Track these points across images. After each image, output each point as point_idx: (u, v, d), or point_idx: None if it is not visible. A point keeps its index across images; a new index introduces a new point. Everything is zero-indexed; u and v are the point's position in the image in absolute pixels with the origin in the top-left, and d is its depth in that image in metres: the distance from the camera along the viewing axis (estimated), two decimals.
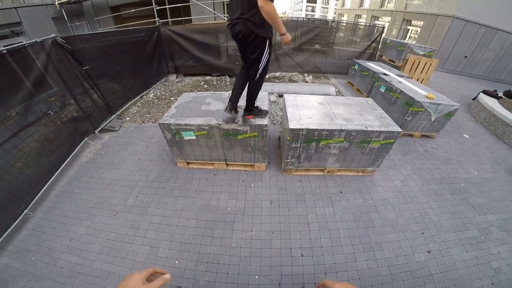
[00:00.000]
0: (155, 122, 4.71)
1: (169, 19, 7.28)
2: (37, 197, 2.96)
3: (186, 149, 3.14)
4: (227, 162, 3.32)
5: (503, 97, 5.66)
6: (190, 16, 8.41)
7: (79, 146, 3.86)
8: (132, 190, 3.11)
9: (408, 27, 14.63)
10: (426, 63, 6.61)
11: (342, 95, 6.28)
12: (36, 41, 3.15)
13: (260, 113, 2.84)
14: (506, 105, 5.19)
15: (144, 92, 5.94)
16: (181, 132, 2.88)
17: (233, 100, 2.61)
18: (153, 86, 6.35)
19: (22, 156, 2.95)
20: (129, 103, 5.31)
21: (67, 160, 3.54)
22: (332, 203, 2.94)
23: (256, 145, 2.99)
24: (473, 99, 6.27)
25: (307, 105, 3.22)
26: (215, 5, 8.78)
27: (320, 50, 8.07)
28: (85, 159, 3.73)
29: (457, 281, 2.25)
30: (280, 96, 5.79)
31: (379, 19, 17.80)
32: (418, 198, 3.10)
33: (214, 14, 7.84)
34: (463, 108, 6.07)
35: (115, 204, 2.93)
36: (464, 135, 4.72)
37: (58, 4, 7.22)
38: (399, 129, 2.75)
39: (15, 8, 5.90)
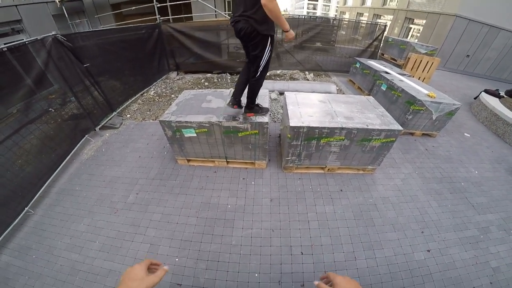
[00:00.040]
0: (155, 119, 4.71)
1: (170, 17, 7.25)
2: (37, 194, 2.97)
3: (186, 146, 3.14)
4: (227, 160, 3.32)
5: (505, 96, 5.63)
6: (191, 13, 8.38)
7: (79, 144, 3.86)
8: (133, 188, 3.12)
9: (410, 26, 14.55)
10: (428, 62, 6.58)
11: (343, 93, 6.27)
12: (36, 38, 3.14)
13: (261, 110, 2.84)
14: (508, 104, 5.16)
15: (145, 90, 5.93)
16: (182, 130, 2.88)
17: (236, 95, 2.63)
18: (153, 84, 6.34)
19: (23, 154, 2.95)
20: (130, 101, 5.31)
21: (67, 157, 3.55)
22: (332, 201, 2.94)
23: (257, 143, 2.99)
24: (475, 98, 6.24)
25: (308, 103, 3.21)
26: (216, 3, 8.74)
27: (322, 48, 8.04)
28: (85, 156, 3.74)
29: (456, 280, 2.26)
30: (281, 93, 5.79)
31: (381, 17, 17.70)
32: (418, 197, 3.10)
33: (215, 11, 7.80)
34: (464, 107, 6.05)
35: (116, 201, 2.94)
36: (465, 134, 4.71)
37: (58, 1, 7.19)
38: (400, 128, 2.74)
39: (16, 5, 5.89)
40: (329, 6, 51.26)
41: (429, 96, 3.94)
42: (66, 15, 7.28)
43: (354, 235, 2.58)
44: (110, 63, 4.79)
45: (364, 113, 3.01)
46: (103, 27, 7.88)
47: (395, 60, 7.93)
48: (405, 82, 4.56)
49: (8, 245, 2.51)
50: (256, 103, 2.79)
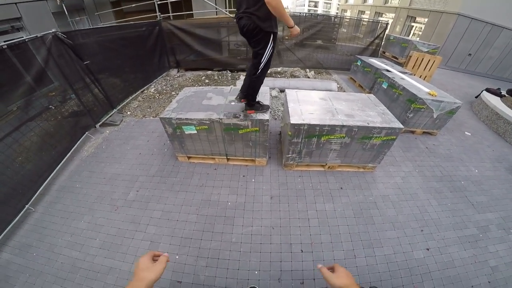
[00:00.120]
0: (156, 116, 4.70)
1: (171, 14, 7.21)
2: (38, 191, 2.97)
3: (187, 143, 3.14)
4: (228, 157, 3.32)
5: (506, 95, 5.61)
6: (192, 10, 8.33)
7: (80, 141, 3.86)
8: (133, 185, 3.12)
9: (412, 24, 14.47)
10: (429, 60, 6.55)
11: (344, 91, 6.24)
12: (36, 36, 3.13)
13: (262, 108, 2.83)
14: (509, 103, 5.15)
15: (145, 87, 5.92)
16: (182, 127, 2.88)
17: (244, 89, 2.63)
18: (154, 81, 6.33)
19: (23, 151, 2.95)
20: (130, 98, 5.30)
21: (68, 155, 3.55)
22: (333, 199, 2.94)
23: (257, 140, 2.98)
24: (476, 97, 6.22)
25: (308, 100, 3.21)
26: (216, 0, 8.69)
27: (323, 45, 8.01)
28: (86, 154, 3.74)
29: (454, 279, 2.26)
30: (282, 91, 5.77)
31: (383, 15, 17.59)
32: (418, 195, 3.10)
33: (216, 8, 7.77)
34: (465, 106, 6.03)
35: (116, 199, 2.95)
36: (466, 132, 4.70)
37: None
38: (401, 126, 2.74)
39: (15, 3, 5.85)
40: (330, 3, 50.91)
41: (430, 94, 3.93)
42: (66, 13, 7.23)
43: (354, 233, 2.58)
44: (111, 60, 4.78)
45: (365, 111, 3.00)
46: (103, 25, 7.85)
47: (397, 58, 7.88)
48: (406, 80, 4.54)
49: (8, 243, 2.52)
50: (257, 100, 2.79)
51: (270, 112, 3.00)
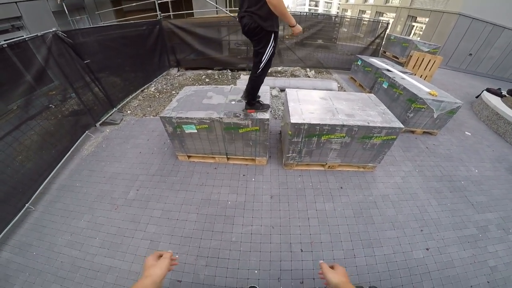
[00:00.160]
0: (156, 115, 4.70)
1: (171, 13, 7.19)
2: (38, 190, 2.97)
3: (187, 142, 3.14)
4: (228, 156, 3.32)
5: (507, 95, 5.60)
6: (192, 9, 8.32)
7: (80, 139, 3.87)
8: (133, 184, 3.12)
9: (413, 24, 14.45)
10: (430, 60, 6.54)
11: (345, 91, 6.24)
12: (37, 35, 3.13)
13: (262, 107, 2.83)
14: (510, 103, 5.14)
15: (145, 86, 5.92)
16: (183, 126, 2.88)
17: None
18: (154, 80, 6.33)
19: (23, 150, 2.95)
20: (130, 97, 5.30)
21: (68, 153, 3.55)
22: (332, 198, 2.94)
23: (257, 139, 2.98)
24: (476, 97, 6.22)
25: (309, 99, 3.20)
26: None
27: (323, 45, 8.00)
28: (86, 152, 3.74)
29: (454, 279, 2.26)
30: (282, 90, 5.77)
31: (384, 15, 17.57)
32: (418, 195, 3.10)
33: (216, 7, 7.75)
34: (466, 106, 6.03)
35: (116, 197, 2.95)
36: (466, 132, 4.70)
37: None
38: (401, 125, 2.74)
39: (15, 2, 5.85)
40: (331, 3, 50.83)
41: (430, 94, 3.93)
42: (67, 12, 7.22)
43: (354, 232, 2.58)
44: (111, 59, 4.77)
45: (365, 110, 3.00)
46: (103, 24, 7.85)
47: (397, 58, 7.87)
48: (406, 80, 4.54)
49: (8, 242, 2.52)
50: (257, 99, 2.78)
51: (271, 111, 2.99)
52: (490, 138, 4.62)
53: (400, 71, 5.22)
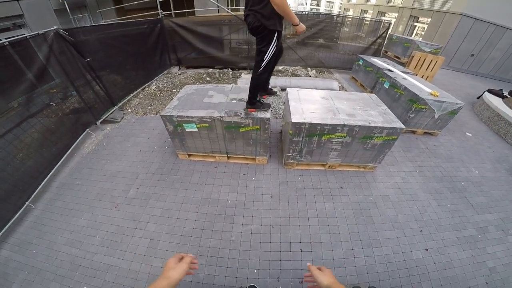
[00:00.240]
0: (157, 114, 4.70)
1: (172, 11, 7.19)
2: (38, 188, 2.98)
3: (187, 141, 3.14)
4: (228, 155, 3.32)
5: (508, 96, 5.58)
6: (194, 8, 8.31)
7: (80, 137, 3.87)
8: (133, 182, 3.12)
9: (415, 24, 14.41)
10: (431, 60, 6.52)
11: (346, 90, 6.23)
12: (38, 33, 3.13)
13: (263, 106, 2.83)
14: (511, 104, 5.12)
15: (146, 84, 5.92)
16: (183, 124, 2.88)
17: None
18: (155, 78, 6.33)
19: (24, 147, 2.95)
20: (131, 95, 5.31)
21: (68, 151, 3.55)
22: (333, 198, 2.94)
23: (258, 139, 2.98)
24: (478, 98, 6.20)
25: (310, 99, 3.20)
26: None
27: (324, 44, 7.98)
28: (86, 150, 3.74)
29: (452, 280, 2.27)
30: (283, 89, 5.77)
31: (386, 15, 17.52)
32: (418, 195, 3.10)
33: (218, 6, 7.74)
34: (467, 107, 6.02)
35: (116, 196, 2.95)
36: (467, 133, 4.69)
37: None
38: (402, 126, 2.73)
39: (17, 0, 5.85)
40: (332, 3, 50.69)
41: (432, 94, 3.92)
42: (68, 10, 7.22)
43: (354, 232, 2.58)
44: (112, 57, 4.78)
45: (366, 110, 2.99)
46: (104, 22, 7.84)
47: (399, 58, 7.86)
48: (408, 80, 4.53)
49: (8, 240, 2.52)
50: (258, 98, 2.78)
51: (271, 110, 2.98)
52: (491, 139, 4.61)
53: (402, 71, 5.20)
